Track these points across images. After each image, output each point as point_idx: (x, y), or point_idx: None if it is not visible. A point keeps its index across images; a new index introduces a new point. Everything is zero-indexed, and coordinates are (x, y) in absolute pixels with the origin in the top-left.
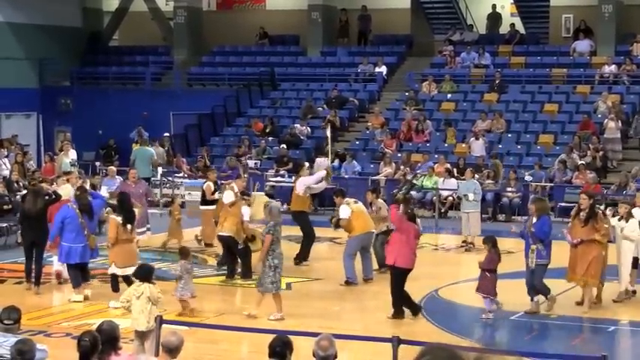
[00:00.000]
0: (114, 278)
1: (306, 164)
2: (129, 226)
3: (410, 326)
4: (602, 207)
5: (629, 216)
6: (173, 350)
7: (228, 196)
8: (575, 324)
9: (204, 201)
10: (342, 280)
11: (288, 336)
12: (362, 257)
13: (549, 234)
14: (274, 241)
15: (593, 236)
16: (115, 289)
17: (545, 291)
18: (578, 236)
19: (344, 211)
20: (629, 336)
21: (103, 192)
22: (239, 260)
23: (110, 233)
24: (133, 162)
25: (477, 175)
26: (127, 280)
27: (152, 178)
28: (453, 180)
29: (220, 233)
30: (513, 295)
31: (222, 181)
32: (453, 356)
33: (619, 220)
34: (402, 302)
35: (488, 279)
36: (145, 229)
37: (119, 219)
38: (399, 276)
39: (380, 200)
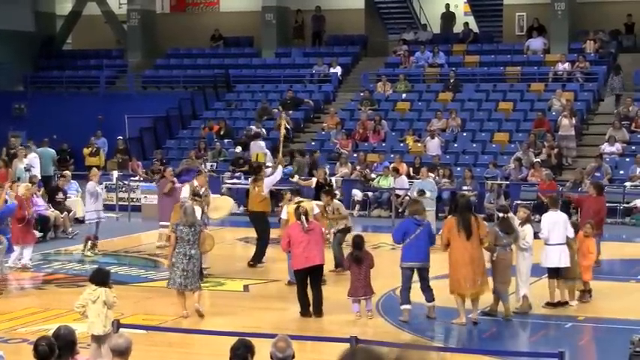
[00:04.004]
0: None
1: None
2: None
3: (367, 326)
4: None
5: (526, 221)
6: (123, 352)
7: (185, 192)
8: (533, 321)
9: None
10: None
11: (249, 339)
12: None
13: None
14: (178, 241)
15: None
16: None
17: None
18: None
19: (283, 211)
20: (586, 332)
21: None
22: None
23: None
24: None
25: (431, 175)
26: None
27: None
28: (404, 177)
29: None
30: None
31: (179, 184)
32: (372, 357)
33: (520, 225)
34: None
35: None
36: None
37: None
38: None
39: (336, 201)
